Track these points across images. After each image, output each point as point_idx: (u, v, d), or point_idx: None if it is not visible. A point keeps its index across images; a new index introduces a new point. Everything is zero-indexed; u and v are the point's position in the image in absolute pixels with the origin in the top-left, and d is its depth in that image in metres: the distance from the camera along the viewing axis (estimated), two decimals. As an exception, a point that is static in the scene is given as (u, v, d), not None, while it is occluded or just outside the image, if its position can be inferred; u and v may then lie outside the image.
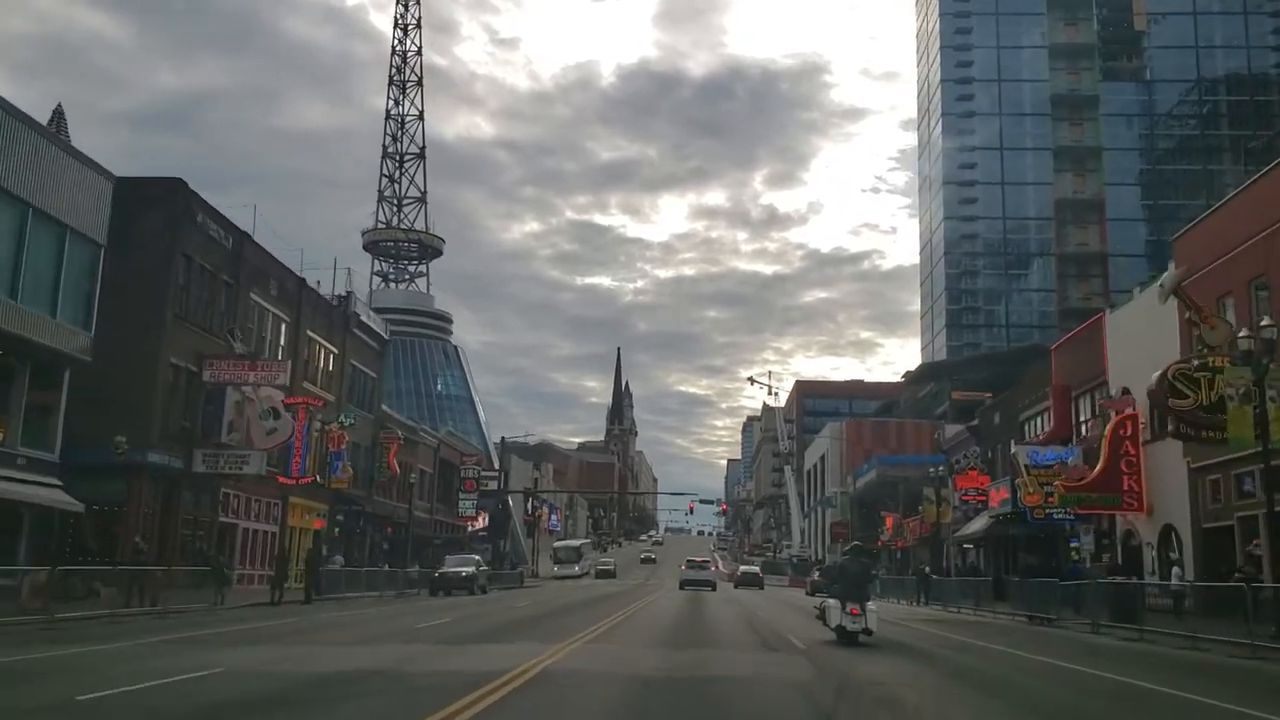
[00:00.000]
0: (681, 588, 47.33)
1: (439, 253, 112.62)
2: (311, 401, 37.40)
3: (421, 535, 55.46)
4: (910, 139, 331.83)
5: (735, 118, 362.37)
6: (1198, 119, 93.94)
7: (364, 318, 47.92)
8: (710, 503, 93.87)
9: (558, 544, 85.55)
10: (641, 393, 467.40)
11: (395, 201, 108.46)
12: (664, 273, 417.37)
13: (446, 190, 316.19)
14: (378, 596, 35.72)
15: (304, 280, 40.15)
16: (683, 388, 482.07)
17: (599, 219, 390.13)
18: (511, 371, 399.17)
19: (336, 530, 43.81)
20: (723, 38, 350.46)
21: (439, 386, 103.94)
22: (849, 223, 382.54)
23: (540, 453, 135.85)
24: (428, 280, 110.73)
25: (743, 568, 69.38)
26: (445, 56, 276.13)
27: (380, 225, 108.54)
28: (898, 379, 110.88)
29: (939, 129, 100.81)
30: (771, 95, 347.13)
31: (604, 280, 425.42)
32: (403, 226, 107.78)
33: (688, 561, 55.98)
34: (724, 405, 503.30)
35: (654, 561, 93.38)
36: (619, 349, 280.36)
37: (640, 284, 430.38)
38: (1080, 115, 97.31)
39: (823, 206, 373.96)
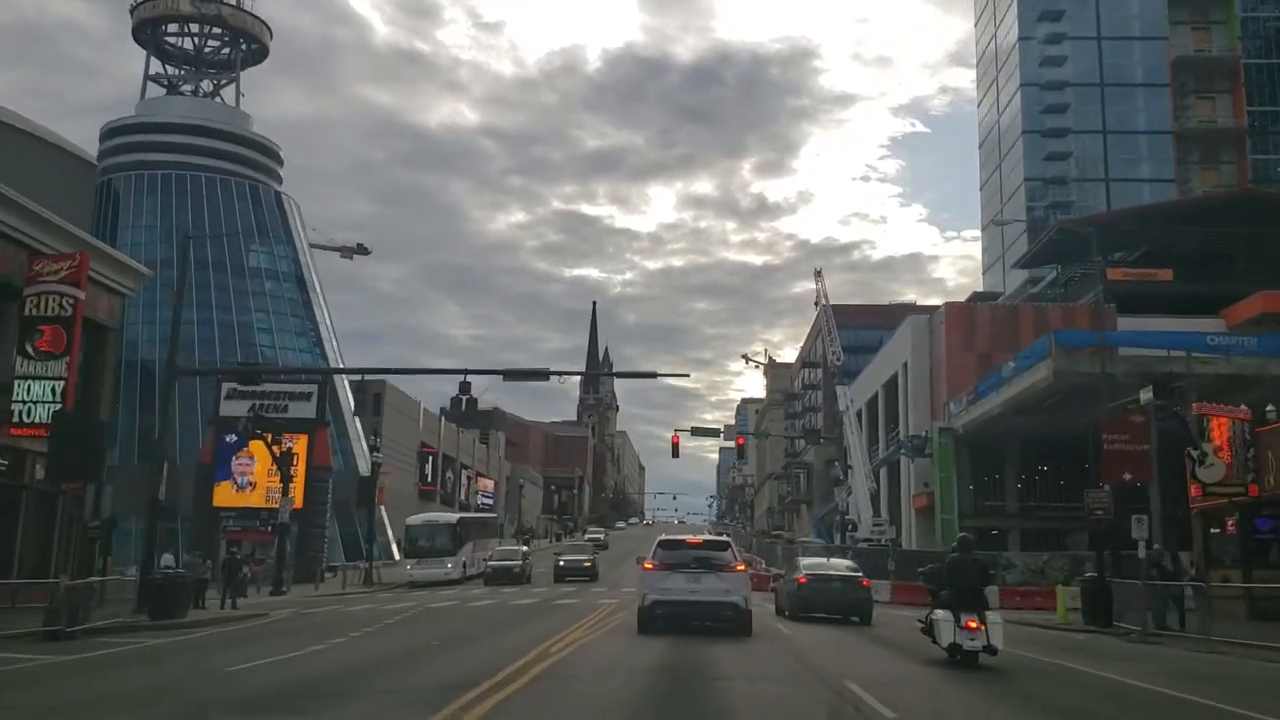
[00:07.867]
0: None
1: (262, 50, 71.17)
2: None
3: None
4: (903, 125, 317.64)
5: (724, 104, 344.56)
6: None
7: None
8: (714, 433, 55.99)
9: (413, 520, 46.02)
10: (629, 386, 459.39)
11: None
12: (652, 264, 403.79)
13: (432, 181, 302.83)
14: None
15: None
16: (671, 381, 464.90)
17: (586, 209, 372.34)
18: (502, 366, 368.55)
19: None
20: (711, 21, 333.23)
21: (252, 259, 64.55)
22: (839, 212, 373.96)
23: (491, 420, 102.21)
24: (238, 90, 71.62)
25: (808, 563, 25.10)
26: (427, 42, 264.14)
27: (161, -3, 68.36)
28: (954, 299, 79.08)
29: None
30: (760, 81, 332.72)
31: (592, 272, 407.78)
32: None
33: (662, 542, 18.93)
34: (713, 398, 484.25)
35: (589, 576, 42.50)
36: (594, 303, 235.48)
37: (628, 275, 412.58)
38: (1201, -54, 71.87)
39: (813, 196, 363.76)
